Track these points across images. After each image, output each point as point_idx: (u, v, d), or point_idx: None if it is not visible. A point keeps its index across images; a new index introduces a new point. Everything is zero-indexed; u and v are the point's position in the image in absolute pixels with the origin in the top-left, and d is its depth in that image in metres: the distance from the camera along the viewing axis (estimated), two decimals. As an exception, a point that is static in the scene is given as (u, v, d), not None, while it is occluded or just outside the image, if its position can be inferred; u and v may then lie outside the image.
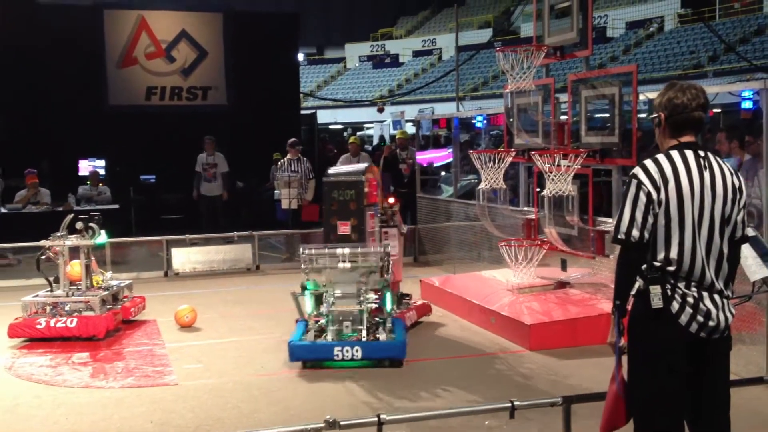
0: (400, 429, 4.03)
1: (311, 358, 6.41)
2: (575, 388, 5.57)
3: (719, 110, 20.65)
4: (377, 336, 6.44)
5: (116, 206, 13.00)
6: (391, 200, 7.71)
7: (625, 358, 3.46)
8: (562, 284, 7.93)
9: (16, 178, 13.14)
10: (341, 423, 3.64)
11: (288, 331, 7.49)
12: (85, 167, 14.60)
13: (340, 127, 38.35)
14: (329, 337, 6.44)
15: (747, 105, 11.16)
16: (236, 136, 14.25)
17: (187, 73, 16.04)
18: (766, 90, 5.92)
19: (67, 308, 7.51)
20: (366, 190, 7.10)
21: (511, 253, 7.86)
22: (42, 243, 7.67)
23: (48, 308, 7.50)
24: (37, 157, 13.99)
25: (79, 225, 7.69)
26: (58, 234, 7.71)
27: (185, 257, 11.07)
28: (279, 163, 12.70)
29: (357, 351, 6.30)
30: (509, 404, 3.91)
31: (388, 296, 6.59)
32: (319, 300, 6.68)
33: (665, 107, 3.43)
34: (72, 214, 7.98)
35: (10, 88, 14.49)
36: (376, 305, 6.65)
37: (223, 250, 11.32)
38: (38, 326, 7.26)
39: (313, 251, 6.47)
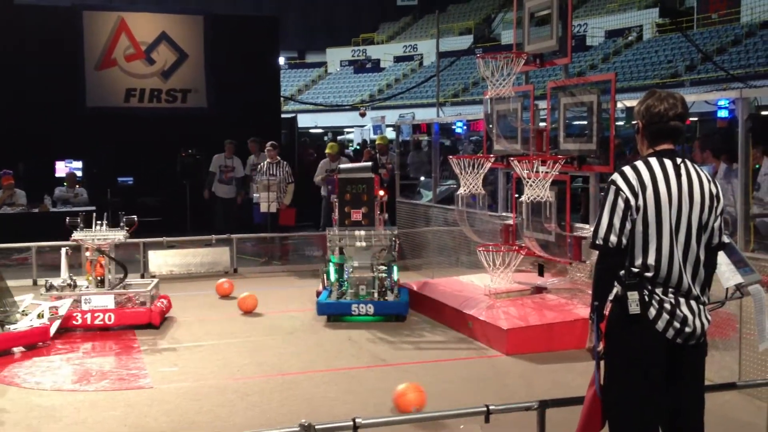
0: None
1: (334, 313, 8.03)
2: (551, 392, 5.59)
3: (696, 119, 20.84)
4: (386, 298, 8.07)
5: (93, 208, 12.83)
6: (381, 192, 8.74)
7: (603, 363, 3.47)
8: (539, 289, 7.97)
9: (-9, 179, 12.99)
10: (316, 427, 3.62)
11: (266, 334, 7.68)
12: (61, 169, 14.47)
13: (320, 131, 38.30)
14: (348, 298, 8.10)
15: (723, 114, 11.29)
16: (216, 139, 14.15)
17: (167, 75, 15.93)
18: (742, 99, 6.00)
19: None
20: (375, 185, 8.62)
21: (489, 258, 7.90)
22: (97, 242, 7.99)
23: (149, 298, 8.01)
24: (14, 158, 13.83)
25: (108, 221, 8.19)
26: (100, 230, 8.10)
27: (162, 260, 10.99)
28: (258, 166, 12.67)
29: (370, 308, 7.92)
30: (484, 408, 3.91)
31: (395, 268, 8.30)
32: (339, 271, 8.36)
33: (643, 115, 3.46)
34: (106, 212, 8.37)
35: (-14, 88, 14.34)
36: (385, 275, 8.18)
37: (200, 253, 11.25)
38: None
39: (337, 232, 8.20)
